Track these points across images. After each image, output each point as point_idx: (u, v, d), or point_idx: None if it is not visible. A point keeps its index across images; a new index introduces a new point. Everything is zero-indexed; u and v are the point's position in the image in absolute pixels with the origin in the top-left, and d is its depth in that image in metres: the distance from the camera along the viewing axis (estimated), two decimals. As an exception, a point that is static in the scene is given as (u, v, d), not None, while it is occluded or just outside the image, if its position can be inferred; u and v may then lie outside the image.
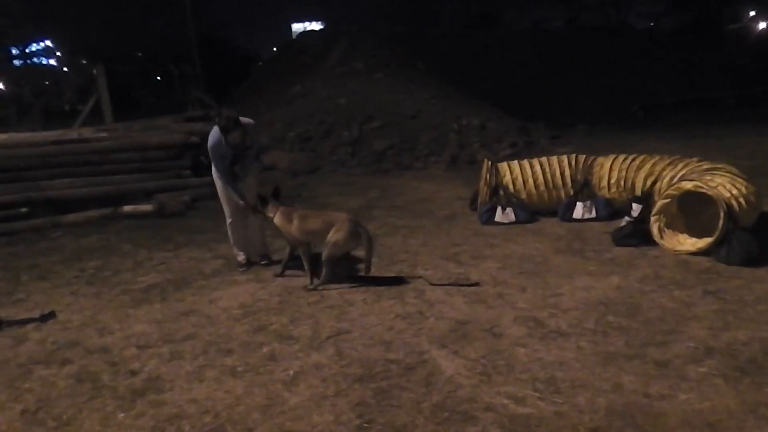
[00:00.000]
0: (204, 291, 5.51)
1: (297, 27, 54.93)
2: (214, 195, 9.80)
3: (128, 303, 5.31)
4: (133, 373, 3.95)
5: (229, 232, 6.20)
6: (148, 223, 8.46)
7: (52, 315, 5.03)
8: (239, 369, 3.91)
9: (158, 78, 39.25)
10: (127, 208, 8.89)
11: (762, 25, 38.75)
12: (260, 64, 31.57)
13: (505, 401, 3.33)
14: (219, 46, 39.30)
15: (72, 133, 11.05)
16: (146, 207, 8.91)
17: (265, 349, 4.17)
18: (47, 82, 30.10)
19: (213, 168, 5.92)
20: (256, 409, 3.41)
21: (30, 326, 4.86)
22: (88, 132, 11.09)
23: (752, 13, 40.93)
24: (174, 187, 9.93)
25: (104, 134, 11.03)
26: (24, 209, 8.70)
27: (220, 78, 34.80)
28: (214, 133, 5.63)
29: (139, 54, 40.11)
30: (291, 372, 3.81)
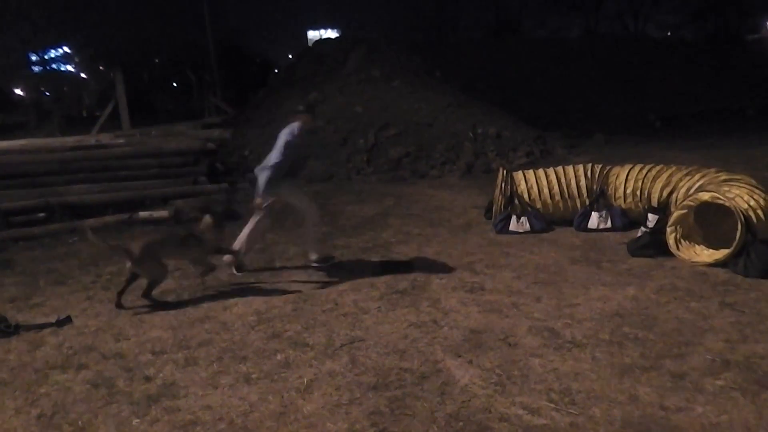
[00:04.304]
0: (219, 297, 5.52)
1: (312, 34, 55.19)
2: (230, 201, 9.91)
3: (144, 309, 5.33)
4: (148, 378, 3.97)
5: (251, 234, 6.20)
6: (165, 228, 8.50)
7: (68, 320, 5.07)
8: (254, 376, 3.92)
9: (175, 84, 39.60)
10: (143, 213, 8.95)
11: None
12: (276, 71, 31.75)
13: (520, 412, 3.32)
14: (236, 53, 39.63)
15: (90, 139, 11.18)
16: (162, 213, 8.97)
17: (279, 357, 4.18)
18: (66, 88, 30.45)
19: (275, 161, 5.79)
20: (270, 417, 3.41)
21: (47, 331, 4.90)
22: (105, 138, 11.21)
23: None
24: (190, 193, 9.99)
25: (122, 140, 11.15)
26: (42, 214, 8.79)
27: (237, 85, 35.08)
28: (293, 125, 5.91)
29: (157, 60, 40.49)
30: (305, 379, 3.82)
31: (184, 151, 10.94)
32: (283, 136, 5.87)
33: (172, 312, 5.20)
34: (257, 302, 5.32)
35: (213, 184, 10.53)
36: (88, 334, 4.80)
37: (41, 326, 4.97)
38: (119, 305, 5.37)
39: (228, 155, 12.99)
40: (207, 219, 5.84)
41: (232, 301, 5.40)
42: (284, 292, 5.55)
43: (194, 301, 5.45)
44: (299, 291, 5.55)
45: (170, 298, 5.55)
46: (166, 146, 10.97)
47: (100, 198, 9.38)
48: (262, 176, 5.83)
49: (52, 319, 5.05)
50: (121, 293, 5.40)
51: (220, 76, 31.81)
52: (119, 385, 3.91)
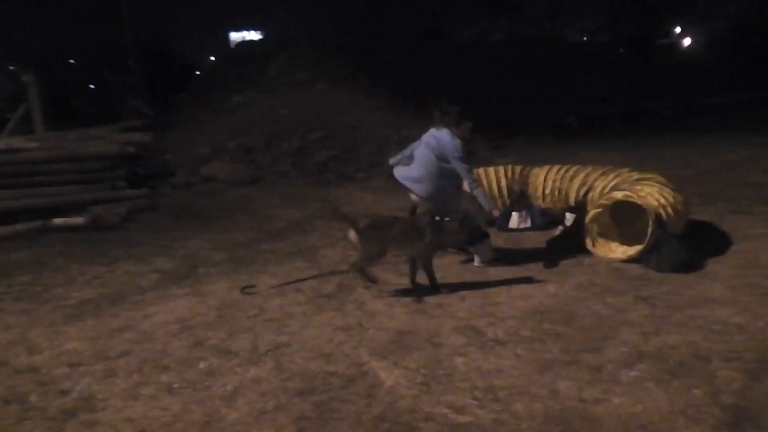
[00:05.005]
0: (140, 306, 5.36)
1: (235, 36, 54.40)
2: (152, 207, 9.68)
3: (59, 320, 5.12)
4: (64, 392, 3.81)
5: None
6: (82, 236, 8.21)
7: (-23, 334, 4.83)
8: (176, 386, 3.82)
9: (93, 86, 38.32)
10: (58, 220, 8.58)
11: (687, 41, 40.44)
12: (198, 73, 31.15)
13: (445, 410, 3.35)
14: (158, 55, 38.61)
15: None
16: (78, 220, 8.63)
17: (202, 365, 4.09)
18: (-29, 90, 29.01)
19: (465, 173, 5.71)
20: (194, 427, 3.34)
21: (-47, 346, 4.65)
22: (17, 142, 10.72)
23: (678, 30, 42.66)
24: (109, 199, 9.67)
25: (35, 144, 10.70)
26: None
27: (158, 87, 34.19)
28: (447, 132, 5.68)
29: (73, 61, 39.12)
30: (229, 387, 3.75)
31: (102, 155, 10.60)
32: (454, 148, 5.65)
33: (90, 322, 5.02)
34: (180, 310, 5.20)
35: (133, 190, 10.24)
36: (-2, 348, 4.58)
37: (-53, 342, 4.71)
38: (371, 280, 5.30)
39: (149, 159, 12.65)
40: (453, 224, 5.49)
41: (153, 309, 5.26)
42: (208, 298, 5.45)
43: (114, 310, 5.27)
44: (224, 297, 5.45)
45: (88, 308, 5.36)
46: (83, 150, 10.60)
47: (12, 205, 8.96)
48: (478, 194, 5.78)
49: (-41, 334, 4.80)
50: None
51: (140, 78, 30.93)
52: (32, 400, 3.74)
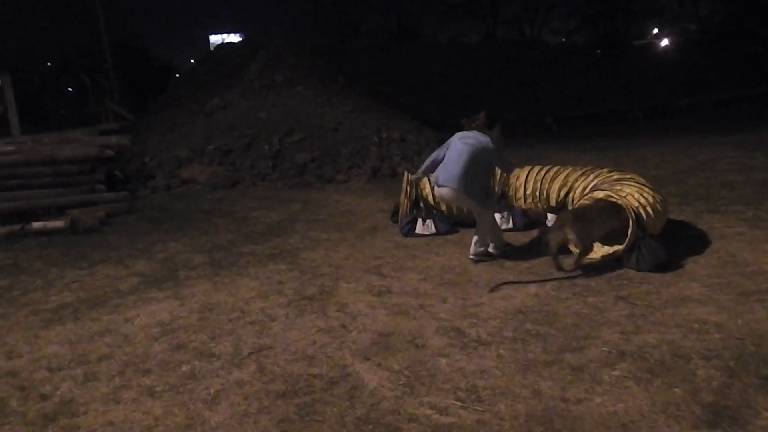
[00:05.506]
0: (120, 309, 5.32)
1: (215, 39, 54.42)
2: (131, 210, 9.61)
3: (38, 324, 5.07)
4: (44, 397, 3.77)
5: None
6: (61, 240, 8.13)
7: (-46, 339, 4.76)
8: (158, 389, 3.79)
9: (70, 89, 37.99)
10: (36, 224, 8.49)
11: (664, 42, 40.84)
12: (177, 75, 30.95)
13: (428, 411, 3.36)
14: (135, 57, 38.36)
15: (-25, 147, 10.55)
16: (58, 223, 8.54)
17: (184, 368, 4.07)
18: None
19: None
20: (176, 430, 3.31)
21: (-71, 352, 4.58)
22: (-7, 145, 10.61)
23: (655, 31, 43.11)
24: (88, 202, 9.59)
25: (11, 147, 10.59)
26: None
27: (136, 89, 33.96)
28: (479, 134, 6.05)
29: (49, 64, 38.70)
30: (212, 390, 3.73)
31: (80, 158, 10.50)
32: (492, 144, 5.98)
33: (70, 326, 4.97)
34: (161, 313, 5.16)
35: (112, 193, 10.16)
36: (-25, 354, 4.52)
37: None
38: (559, 267, 5.60)
39: (127, 162, 12.56)
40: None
41: (133, 312, 5.21)
42: (189, 301, 5.41)
43: (94, 314, 5.22)
44: (205, 300, 5.42)
45: (67, 312, 5.30)
46: (60, 153, 10.49)
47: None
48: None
49: (-65, 340, 4.73)
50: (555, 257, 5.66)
51: (117, 80, 30.70)
52: (12, 405, 3.70)
